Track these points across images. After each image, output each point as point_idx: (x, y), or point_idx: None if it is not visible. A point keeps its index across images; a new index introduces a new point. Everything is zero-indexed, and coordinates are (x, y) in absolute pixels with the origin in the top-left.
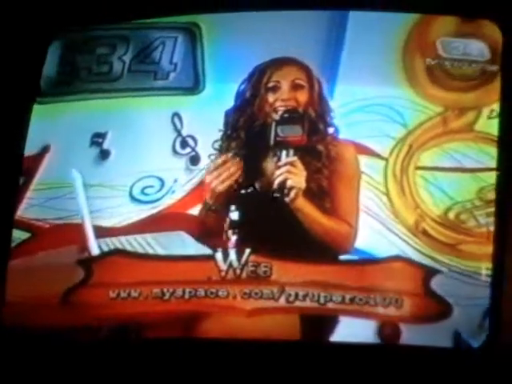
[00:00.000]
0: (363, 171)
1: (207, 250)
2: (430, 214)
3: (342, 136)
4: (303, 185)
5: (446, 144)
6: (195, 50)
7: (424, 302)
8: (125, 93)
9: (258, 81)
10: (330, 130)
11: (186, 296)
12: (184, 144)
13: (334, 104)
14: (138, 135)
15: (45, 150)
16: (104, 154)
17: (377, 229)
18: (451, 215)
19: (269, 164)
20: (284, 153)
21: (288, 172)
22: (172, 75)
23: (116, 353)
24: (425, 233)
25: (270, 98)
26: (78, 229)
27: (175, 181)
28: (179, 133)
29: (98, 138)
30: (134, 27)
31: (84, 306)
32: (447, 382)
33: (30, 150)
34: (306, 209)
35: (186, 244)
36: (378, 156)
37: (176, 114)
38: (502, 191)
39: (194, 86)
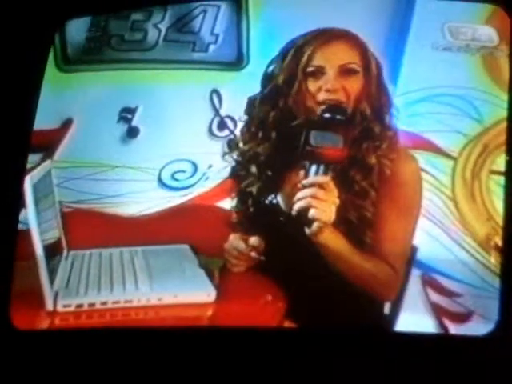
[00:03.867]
0: (425, 169)
1: None
2: None
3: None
4: (331, 217)
5: None
6: (240, 20)
7: None
8: (159, 64)
9: (295, 61)
10: (389, 136)
11: None
12: (222, 125)
13: (396, 94)
14: (172, 113)
15: (67, 123)
16: (132, 132)
17: (440, 240)
18: None
19: (293, 177)
20: (313, 168)
21: (312, 197)
22: (212, 48)
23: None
24: (498, 248)
25: (311, 86)
26: (98, 216)
27: (210, 166)
28: (217, 112)
29: (126, 114)
30: None
31: None
32: (453, 370)
33: (50, 122)
34: (333, 244)
35: None
36: (445, 154)
37: (215, 91)
38: None
39: (236, 61)
